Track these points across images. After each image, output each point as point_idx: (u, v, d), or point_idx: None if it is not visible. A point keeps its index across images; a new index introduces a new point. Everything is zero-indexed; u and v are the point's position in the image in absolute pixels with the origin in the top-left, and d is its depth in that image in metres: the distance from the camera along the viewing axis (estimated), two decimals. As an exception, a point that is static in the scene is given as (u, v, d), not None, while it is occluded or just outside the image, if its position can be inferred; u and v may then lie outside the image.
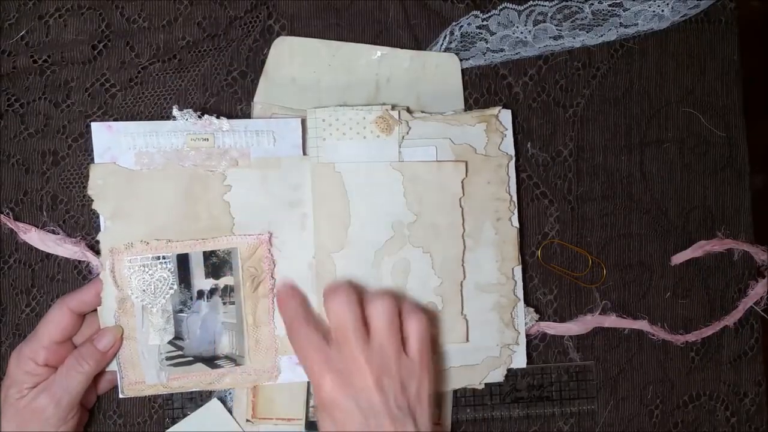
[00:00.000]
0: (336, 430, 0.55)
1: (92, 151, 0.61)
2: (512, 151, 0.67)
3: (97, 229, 0.64)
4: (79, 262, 0.65)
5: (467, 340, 0.65)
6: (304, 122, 0.63)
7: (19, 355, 0.59)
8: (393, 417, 0.55)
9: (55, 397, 0.58)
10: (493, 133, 0.66)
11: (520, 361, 0.67)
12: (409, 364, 0.57)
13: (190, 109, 0.61)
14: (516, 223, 0.67)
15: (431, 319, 0.61)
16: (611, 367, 0.70)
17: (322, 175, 0.63)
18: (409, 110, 0.65)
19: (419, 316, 0.59)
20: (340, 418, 0.55)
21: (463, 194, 0.65)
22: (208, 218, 0.62)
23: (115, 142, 0.61)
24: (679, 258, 0.71)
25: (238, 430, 0.65)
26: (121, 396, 0.62)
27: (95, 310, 0.61)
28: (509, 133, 0.67)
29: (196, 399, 0.66)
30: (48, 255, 0.65)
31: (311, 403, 0.65)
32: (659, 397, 0.71)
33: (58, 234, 0.64)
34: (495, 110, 0.66)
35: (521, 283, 0.67)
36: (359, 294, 0.59)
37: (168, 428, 0.65)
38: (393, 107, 0.64)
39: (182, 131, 0.62)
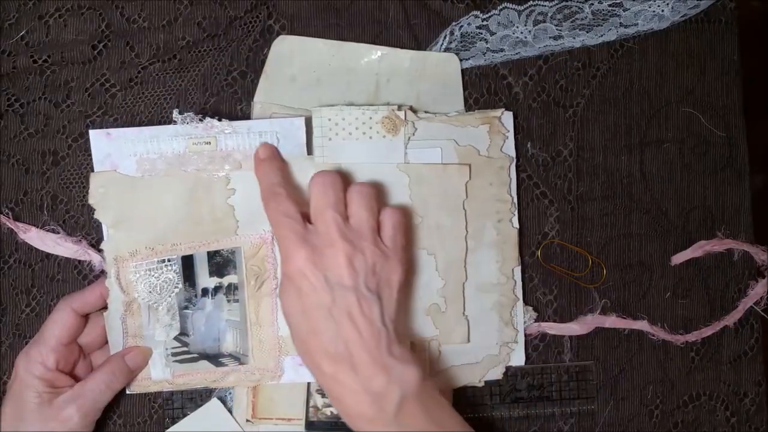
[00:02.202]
0: (300, 301, 0.57)
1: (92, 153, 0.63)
2: (513, 153, 0.69)
3: (98, 229, 0.66)
4: (79, 262, 0.68)
5: (468, 340, 0.68)
6: (307, 122, 0.65)
7: (28, 358, 0.61)
8: (360, 295, 0.57)
9: (83, 409, 0.61)
10: (496, 135, 0.69)
11: (518, 359, 0.70)
12: (383, 248, 0.60)
13: (191, 113, 0.63)
14: (516, 224, 0.69)
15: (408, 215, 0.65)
16: (611, 367, 0.72)
17: (328, 176, 0.66)
18: (413, 110, 0.67)
19: (396, 208, 0.62)
20: (306, 291, 0.57)
21: (467, 196, 0.67)
22: (212, 222, 0.64)
23: (115, 149, 0.63)
24: (679, 258, 0.73)
25: (238, 430, 0.67)
26: (128, 392, 0.66)
27: (99, 308, 0.65)
28: (510, 135, 0.69)
29: (196, 399, 0.68)
30: (48, 255, 0.67)
31: (311, 403, 0.68)
32: (659, 397, 0.73)
33: (59, 233, 0.67)
34: (498, 112, 0.69)
35: (521, 283, 0.70)
36: (345, 182, 0.61)
37: (168, 428, 0.68)
38: (399, 107, 0.67)
39: (183, 135, 0.64)
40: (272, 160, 0.63)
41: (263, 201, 0.62)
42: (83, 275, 0.68)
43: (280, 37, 0.69)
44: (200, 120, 0.64)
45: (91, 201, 0.64)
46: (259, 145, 0.64)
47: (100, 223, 0.64)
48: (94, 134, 0.63)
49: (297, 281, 0.57)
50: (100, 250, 0.65)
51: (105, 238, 0.64)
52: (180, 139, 0.64)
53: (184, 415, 0.68)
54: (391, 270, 0.60)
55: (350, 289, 0.57)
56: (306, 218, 0.60)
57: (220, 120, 0.64)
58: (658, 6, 0.70)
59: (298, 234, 0.58)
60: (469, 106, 0.71)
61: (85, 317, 0.64)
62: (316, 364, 0.57)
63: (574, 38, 0.71)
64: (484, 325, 0.69)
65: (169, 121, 0.65)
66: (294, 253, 0.57)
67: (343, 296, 0.57)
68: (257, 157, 0.64)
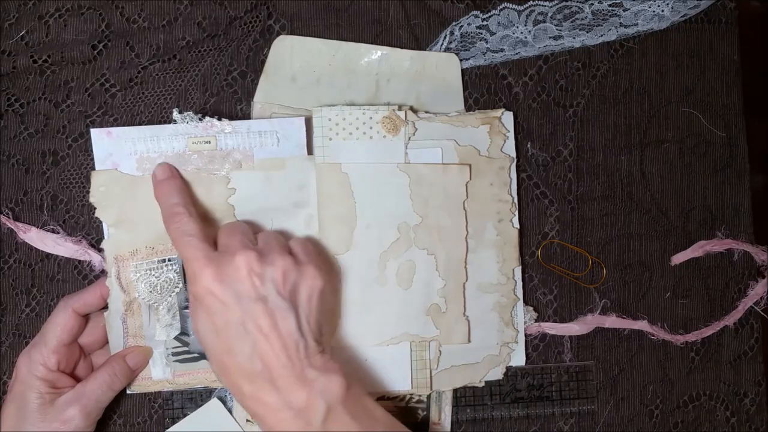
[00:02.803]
0: (211, 321, 0.55)
1: (93, 152, 0.64)
2: (514, 153, 0.70)
3: (98, 229, 0.67)
4: (79, 262, 0.68)
5: (469, 340, 0.69)
6: (308, 121, 0.65)
7: (30, 360, 0.62)
8: (272, 306, 0.55)
9: (85, 410, 0.62)
10: (496, 135, 0.69)
11: (519, 359, 0.71)
12: (294, 259, 0.58)
13: (191, 112, 0.64)
14: (517, 225, 0.70)
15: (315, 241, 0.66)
16: (611, 367, 0.73)
17: (329, 176, 0.66)
18: (413, 110, 0.68)
19: (302, 236, 0.63)
20: (216, 309, 0.55)
21: (467, 197, 0.68)
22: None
23: (116, 148, 0.63)
24: (679, 258, 0.73)
25: (238, 430, 0.67)
26: (128, 392, 0.66)
27: (100, 309, 0.65)
28: (511, 135, 0.70)
29: (196, 399, 0.68)
30: (48, 255, 0.68)
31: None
32: (659, 397, 0.73)
33: (59, 233, 0.67)
34: (498, 112, 0.69)
35: (521, 283, 0.71)
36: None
37: (168, 428, 0.68)
38: (399, 107, 0.67)
39: (183, 135, 0.64)
40: (170, 179, 0.62)
41: (164, 223, 0.60)
42: (83, 275, 0.68)
43: (280, 37, 0.69)
44: (200, 119, 0.64)
45: (92, 199, 0.64)
46: (157, 166, 0.63)
47: (101, 223, 0.65)
48: (95, 133, 0.63)
49: (206, 301, 0.56)
50: (100, 250, 0.65)
51: (105, 237, 0.64)
52: (180, 138, 0.64)
53: (184, 415, 0.68)
54: (306, 276, 0.58)
55: (260, 301, 0.55)
56: (212, 243, 0.59)
57: (220, 119, 0.64)
58: (658, 6, 0.70)
59: (203, 252, 0.57)
60: (469, 106, 0.71)
61: (86, 317, 0.65)
62: (236, 385, 0.56)
63: (574, 38, 0.71)
64: (485, 326, 0.69)
65: (169, 121, 0.65)
66: (200, 272, 0.56)
67: (254, 309, 0.55)
68: (155, 179, 0.63)
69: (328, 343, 0.62)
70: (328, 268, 0.64)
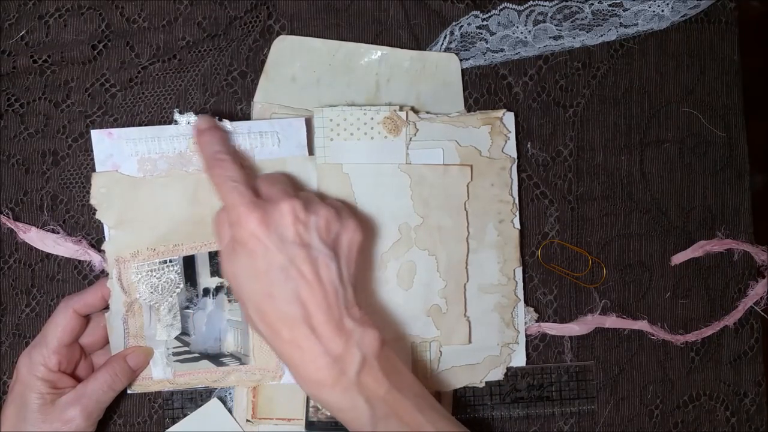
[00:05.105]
0: (253, 265, 0.56)
1: (93, 153, 0.64)
2: (515, 154, 0.70)
3: (98, 229, 0.67)
4: (79, 262, 0.68)
5: (469, 341, 0.69)
6: (308, 122, 0.66)
7: (30, 361, 0.62)
8: (316, 251, 0.56)
9: (87, 410, 0.62)
10: (497, 136, 0.69)
11: (519, 360, 0.71)
12: (335, 210, 0.58)
13: (192, 112, 0.64)
14: (518, 225, 0.70)
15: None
16: (611, 367, 0.73)
17: (330, 176, 0.66)
18: (414, 110, 0.68)
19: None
20: (259, 253, 0.55)
21: (468, 197, 0.68)
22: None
23: (116, 149, 0.64)
24: (679, 258, 0.74)
25: (238, 430, 0.68)
26: (129, 391, 0.66)
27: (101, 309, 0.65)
28: (512, 135, 0.70)
29: (196, 399, 0.69)
30: (48, 255, 0.68)
31: (311, 403, 0.68)
32: (659, 397, 0.74)
33: (59, 233, 0.68)
34: (499, 113, 0.69)
35: (522, 284, 0.71)
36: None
37: (168, 428, 0.68)
38: (400, 108, 0.67)
39: (185, 135, 0.64)
40: (213, 129, 0.62)
41: (207, 170, 0.60)
42: (83, 275, 0.69)
43: (280, 37, 0.69)
44: (201, 120, 0.64)
45: (93, 201, 0.64)
46: (199, 116, 0.63)
47: (101, 223, 0.65)
48: (95, 134, 0.64)
49: (250, 244, 0.55)
50: (100, 251, 0.66)
51: (106, 238, 0.65)
52: (181, 138, 0.64)
53: (184, 415, 0.69)
54: (348, 228, 0.59)
55: (303, 247, 0.56)
56: (255, 191, 0.58)
57: (220, 120, 0.64)
58: (658, 6, 0.71)
59: (247, 197, 0.57)
60: (469, 106, 0.72)
61: (87, 318, 0.65)
62: (275, 331, 0.56)
63: (574, 38, 0.71)
64: (485, 326, 0.70)
65: (170, 121, 0.65)
66: (245, 216, 0.56)
67: (297, 255, 0.55)
68: (197, 129, 0.62)
69: (364, 302, 0.62)
70: (365, 227, 0.64)
